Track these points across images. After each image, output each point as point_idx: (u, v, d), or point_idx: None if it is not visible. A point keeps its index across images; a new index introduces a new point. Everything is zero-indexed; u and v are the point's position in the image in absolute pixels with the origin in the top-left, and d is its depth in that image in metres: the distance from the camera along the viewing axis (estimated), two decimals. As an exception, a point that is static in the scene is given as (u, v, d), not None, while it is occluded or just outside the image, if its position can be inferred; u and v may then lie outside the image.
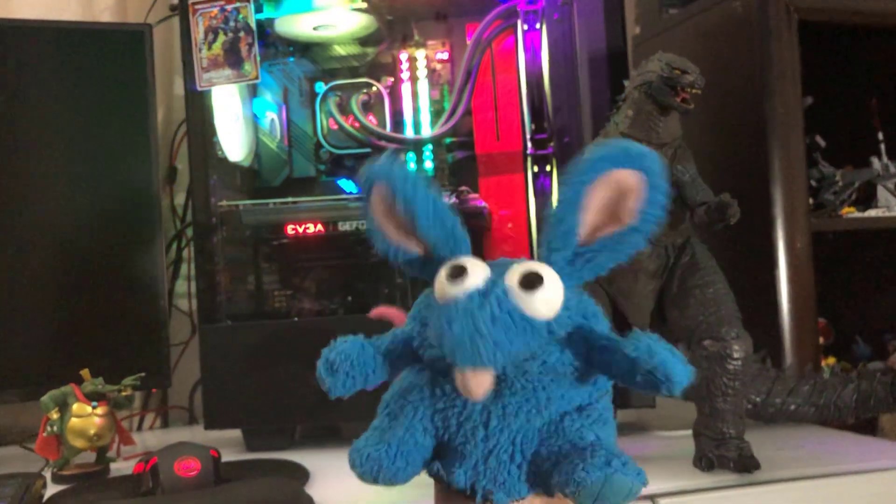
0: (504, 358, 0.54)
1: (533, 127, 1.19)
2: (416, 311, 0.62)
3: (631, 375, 0.54)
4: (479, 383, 0.54)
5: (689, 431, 0.89)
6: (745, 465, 0.83)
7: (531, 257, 1.15)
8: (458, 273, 0.56)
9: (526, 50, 1.19)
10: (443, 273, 0.57)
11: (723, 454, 0.84)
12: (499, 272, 0.56)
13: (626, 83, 0.92)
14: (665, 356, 0.53)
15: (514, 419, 0.57)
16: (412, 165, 1.23)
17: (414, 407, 0.60)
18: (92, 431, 0.97)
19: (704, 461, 0.85)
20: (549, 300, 0.55)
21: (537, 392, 0.57)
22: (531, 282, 0.54)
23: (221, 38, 1.10)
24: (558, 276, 0.56)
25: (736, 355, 0.85)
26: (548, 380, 0.57)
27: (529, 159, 1.18)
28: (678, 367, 0.53)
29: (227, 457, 0.92)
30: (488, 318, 0.52)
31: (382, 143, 1.23)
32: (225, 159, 1.19)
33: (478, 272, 0.56)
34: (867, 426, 1.19)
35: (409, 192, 0.58)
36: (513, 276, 0.55)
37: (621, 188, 0.55)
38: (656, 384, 0.53)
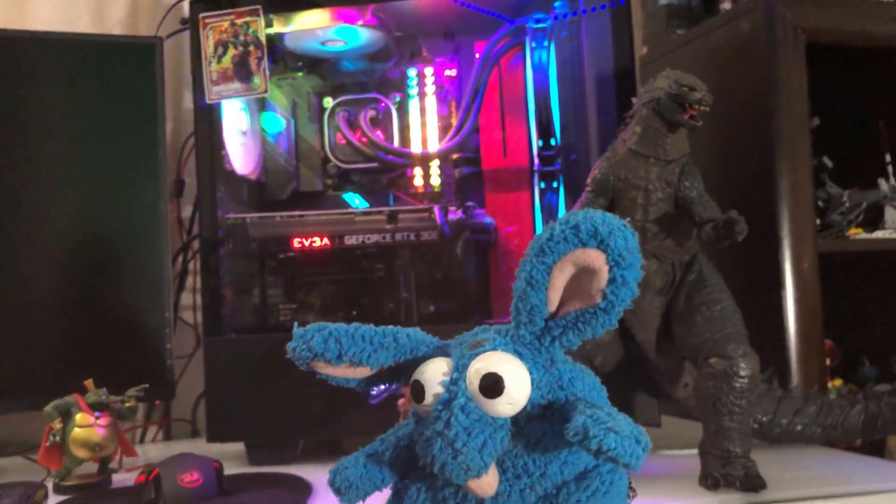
0: (491, 458, 0.53)
1: (540, 143, 1.19)
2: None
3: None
4: (484, 486, 0.53)
5: (695, 450, 0.88)
6: (751, 485, 0.82)
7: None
8: (417, 392, 0.56)
9: (534, 67, 1.20)
10: (407, 393, 0.58)
11: (729, 473, 0.84)
12: (461, 364, 0.55)
13: (635, 100, 0.92)
14: (603, 437, 0.49)
15: (508, 499, 0.56)
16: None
17: (417, 488, 0.60)
18: (94, 442, 0.97)
19: (710, 480, 0.85)
20: (513, 402, 0.54)
21: (529, 468, 0.56)
22: (492, 388, 0.53)
23: (231, 51, 1.11)
24: (521, 362, 0.55)
25: (743, 373, 0.84)
26: (538, 454, 0.56)
27: (536, 175, 1.18)
28: (621, 442, 0.49)
29: (229, 470, 0.92)
30: (462, 433, 0.52)
31: (389, 157, 1.24)
32: (232, 172, 1.19)
33: (435, 381, 0.55)
34: (875, 448, 1.18)
35: (336, 354, 0.59)
36: (473, 380, 0.53)
37: (587, 267, 0.52)
38: (611, 461, 0.50)
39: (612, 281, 0.51)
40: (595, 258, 0.51)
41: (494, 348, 0.55)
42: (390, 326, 0.61)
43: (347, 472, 0.61)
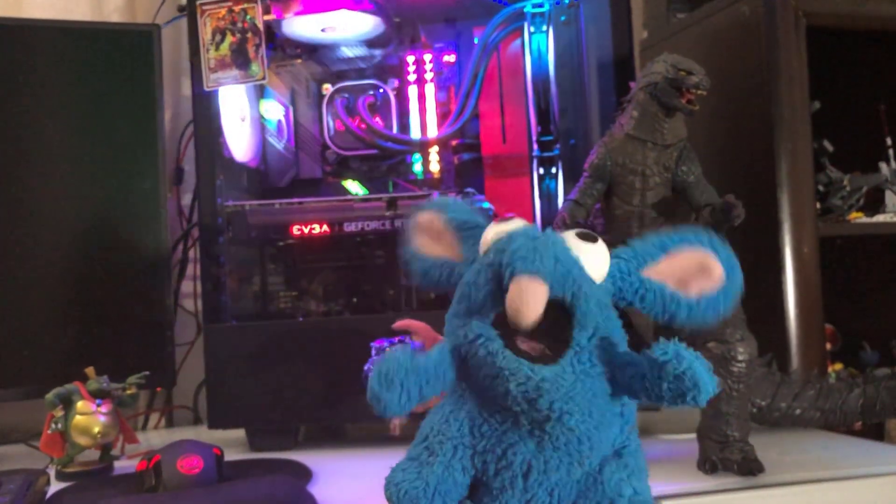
0: (560, 275, 0.54)
1: (539, 129, 1.19)
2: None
3: (657, 385, 0.54)
4: (535, 294, 0.53)
5: (693, 434, 0.89)
6: (748, 469, 0.83)
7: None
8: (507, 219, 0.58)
9: (532, 52, 1.19)
10: (490, 225, 0.59)
11: (727, 457, 0.84)
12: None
13: (633, 85, 0.92)
14: (693, 362, 0.53)
15: (555, 473, 0.57)
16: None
17: (454, 445, 0.59)
18: (96, 429, 0.97)
19: (708, 464, 0.85)
20: (600, 256, 0.57)
21: (581, 444, 0.56)
22: (586, 236, 0.57)
23: (229, 38, 1.11)
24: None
25: (740, 357, 0.85)
26: (592, 428, 0.56)
27: (535, 161, 1.18)
28: (706, 375, 0.53)
29: (230, 456, 0.92)
30: (549, 244, 0.54)
31: (388, 144, 1.23)
32: (231, 160, 1.19)
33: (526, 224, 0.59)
34: (875, 432, 1.19)
35: (459, 210, 0.63)
36: (569, 232, 0.58)
37: (705, 270, 0.59)
38: (684, 392, 0.53)
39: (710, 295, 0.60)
40: (717, 271, 0.60)
41: None
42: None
43: (397, 354, 0.56)
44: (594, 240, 0.58)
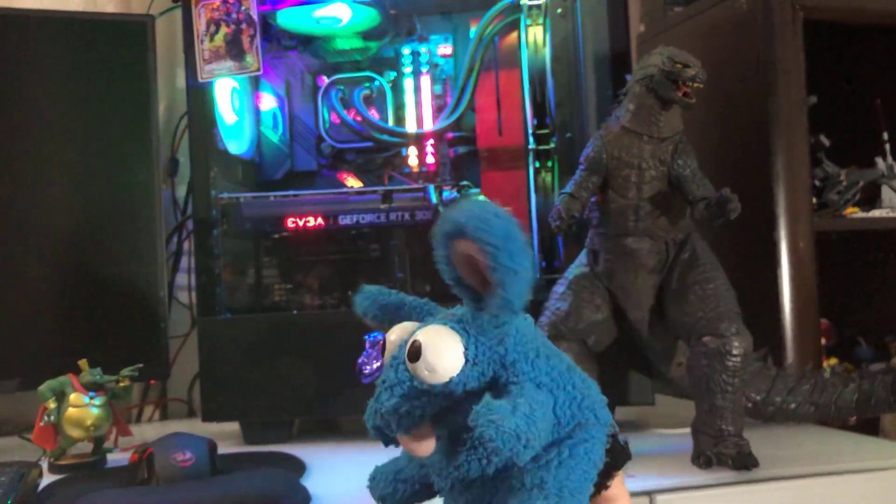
0: (403, 420, 0.54)
1: (535, 122, 1.18)
2: None
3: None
4: (411, 445, 0.56)
5: (688, 429, 0.88)
6: (743, 463, 0.83)
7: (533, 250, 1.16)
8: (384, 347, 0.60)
9: (529, 45, 1.19)
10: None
11: (721, 451, 0.84)
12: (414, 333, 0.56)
13: (629, 77, 0.92)
14: (485, 428, 0.49)
15: (469, 467, 0.56)
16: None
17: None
18: (89, 422, 0.97)
19: (703, 458, 0.85)
20: (430, 368, 0.53)
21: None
22: (413, 353, 0.54)
23: (223, 29, 1.10)
24: (456, 336, 0.54)
25: (735, 352, 0.84)
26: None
27: (531, 154, 1.17)
28: (500, 439, 0.48)
29: (224, 449, 0.92)
30: (386, 389, 0.55)
31: (384, 136, 1.23)
32: (226, 152, 1.19)
33: (394, 341, 0.58)
34: (869, 427, 1.19)
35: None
36: (409, 346, 0.55)
37: (468, 257, 0.50)
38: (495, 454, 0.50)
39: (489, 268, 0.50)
40: (471, 248, 0.49)
41: (443, 322, 0.55)
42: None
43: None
44: (418, 354, 0.53)
